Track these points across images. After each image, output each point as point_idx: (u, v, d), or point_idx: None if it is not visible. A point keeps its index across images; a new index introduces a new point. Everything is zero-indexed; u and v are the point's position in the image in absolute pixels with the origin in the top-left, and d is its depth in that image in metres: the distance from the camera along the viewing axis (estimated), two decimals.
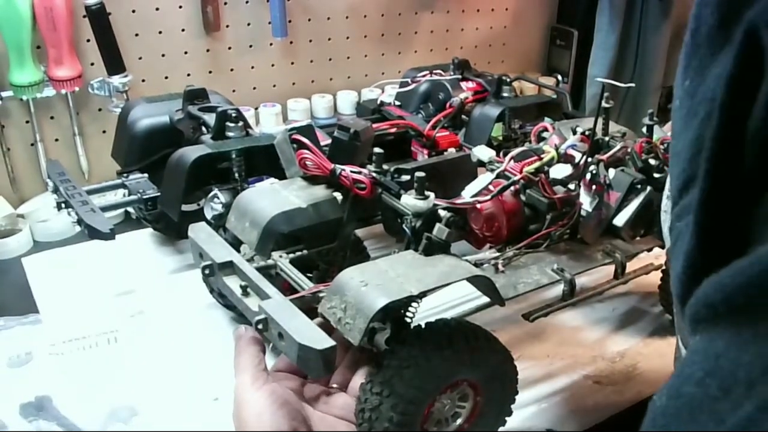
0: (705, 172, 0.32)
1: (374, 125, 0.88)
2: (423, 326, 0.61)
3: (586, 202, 0.78)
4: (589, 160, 0.77)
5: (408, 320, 0.64)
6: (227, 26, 1.28)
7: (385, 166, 0.74)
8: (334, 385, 0.66)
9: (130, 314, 0.93)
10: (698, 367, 0.29)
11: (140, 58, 1.22)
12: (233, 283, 0.64)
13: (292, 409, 0.58)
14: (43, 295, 0.96)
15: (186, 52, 1.26)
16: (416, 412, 0.59)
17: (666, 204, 0.46)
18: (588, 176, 0.78)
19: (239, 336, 0.63)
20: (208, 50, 1.28)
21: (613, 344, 0.90)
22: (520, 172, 0.74)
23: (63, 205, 0.90)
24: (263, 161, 0.90)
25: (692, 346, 0.31)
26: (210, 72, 1.30)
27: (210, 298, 0.91)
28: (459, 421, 0.64)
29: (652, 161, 0.80)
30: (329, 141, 0.85)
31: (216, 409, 0.77)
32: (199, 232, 0.69)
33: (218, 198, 0.87)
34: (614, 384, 0.83)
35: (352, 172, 0.72)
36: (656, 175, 0.80)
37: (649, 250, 0.81)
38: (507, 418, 0.68)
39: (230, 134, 0.93)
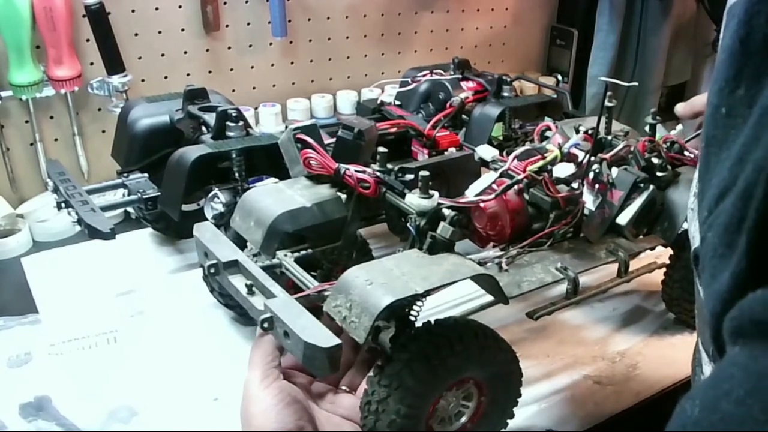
0: (764, 192, 0.30)
1: None
2: (432, 322, 0.61)
3: (589, 201, 0.78)
4: (592, 158, 0.77)
5: (412, 318, 0.64)
6: (227, 26, 1.28)
7: (389, 166, 0.74)
8: (344, 387, 0.66)
9: (129, 314, 0.93)
10: (738, 383, 0.28)
11: (140, 58, 1.22)
12: (238, 282, 0.64)
13: (299, 408, 0.58)
14: (43, 295, 0.96)
15: (186, 52, 1.26)
16: (423, 406, 0.59)
17: (693, 202, 0.45)
18: (591, 175, 0.78)
19: (259, 331, 0.63)
20: (207, 50, 1.28)
21: (614, 344, 0.90)
22: (524, 171, 0.74)
23: (63, 205, 0.90)
24: (263, 161, 0.90)
25: (731, 357, 0.30)
26: (210, 72, 1.29)
27: (210, 298, 0.91)
28: (462, 419, 0.64)
29: (655, 160, 0.80)
30: (329, 140, 0.85)
31: (216, 409, 0.77)
32: (204, 231, 0.69)
33: (218, 198, 0.87)
34: (614, 384, 0.83)
35: (356, 171, 0.72)
36: (659, 174, 0.80)
37: (652, 248, 0.81)
38: (508, 420, 0.68)
39: (230, 134, 0.93)
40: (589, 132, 0.79)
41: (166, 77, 1.25)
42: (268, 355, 0.60)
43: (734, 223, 0.32)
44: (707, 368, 0.46)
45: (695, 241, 0.42)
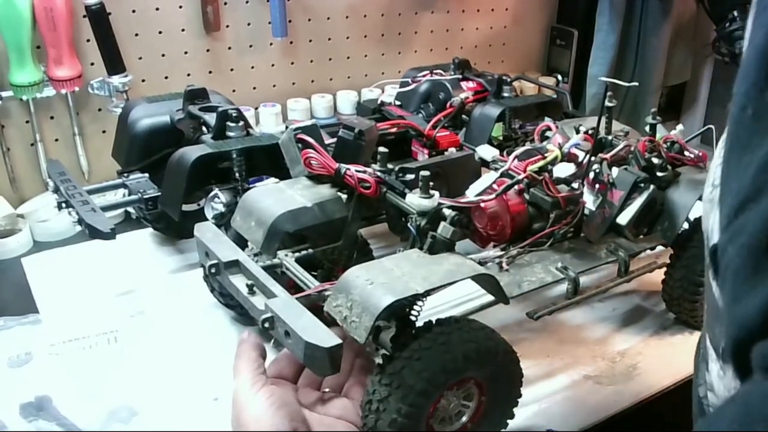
0: None
1: None
2: (433, 322, 0.61)
3: (589, 201, 0.78)
4: (593, 158, 0.77)
5: (413, 318, 0.64)
6: (227, 26, 1.28)
7: (389, 166, 0.74)
8: (326, 390, 0.66)
9: (130, 314, 0.93)
10: None
11: (140, 58, 1.22)
12: (239, 282, 0.64)
13: (291, 410, 0.58)
14: (43, 295, 0.96)
15: (186, 52, 1.26)
16: (424, 404, 0.59)
17: (711, 192, 0.43)
18: (591, 175, 0.78)
19: (241, 340, 0.63)
20: (208, 50, 1.28)
21: (614, 344, 0.90)
22: (524, 171, 0.74)
23: (63, 205, 0.90)
24: (264, 161, 0.90)
25: (765, 391, 0.30)
26: (210, 72, 1.29)
27: (210, 298, 0.91)
28: (463, 419, 0.64)
29: (655, 160, 0.80)
30: (330, 141, 0.85)
31: (216, 409, 0.77)
32: (205, 231, 0.70)
33: (219, 198, 0.87)
34: (614, 384, 0.83)
35: (356, 171, 0.72)
36: (659, 174, 0.80)
37: (652, 248, 0.81)
38: (509, 420, 0.68)
39: (231, 134, 0.93)
40: (590, 132, 0.79)
41: (166, 77, 1.25)
42: (254, 362, 0.61)
43: (762, 248, 0.31)
44: (714, 365, 0.45)
45: (714, 236, 0.40)
